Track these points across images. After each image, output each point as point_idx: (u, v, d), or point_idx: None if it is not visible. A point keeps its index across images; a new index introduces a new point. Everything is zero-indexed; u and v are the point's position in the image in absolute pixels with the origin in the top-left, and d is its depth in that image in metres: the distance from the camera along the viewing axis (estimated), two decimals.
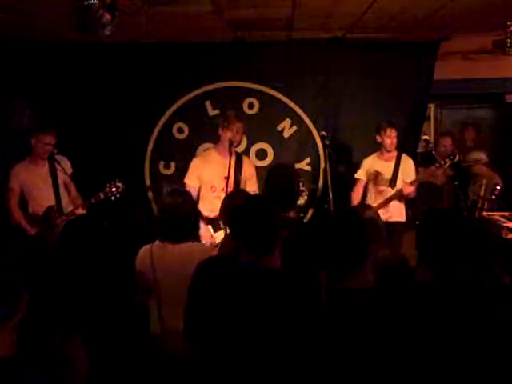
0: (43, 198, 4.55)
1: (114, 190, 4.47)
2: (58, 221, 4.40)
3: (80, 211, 4.42)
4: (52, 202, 4.55)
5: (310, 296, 2.01)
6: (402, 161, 4.83)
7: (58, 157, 4.65)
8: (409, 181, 4.74)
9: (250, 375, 2.03)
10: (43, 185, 4.58)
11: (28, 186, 4.59)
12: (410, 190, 4.66)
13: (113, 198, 4.48)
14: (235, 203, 2.74)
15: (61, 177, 4.64)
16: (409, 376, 1.87)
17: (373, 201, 4.80)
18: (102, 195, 4.45)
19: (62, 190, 4.61)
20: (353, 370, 1.85)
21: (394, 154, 4.85)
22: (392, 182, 4.77)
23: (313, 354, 1.90)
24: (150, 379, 2.64)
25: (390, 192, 4.77)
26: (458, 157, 4.75)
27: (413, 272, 3.62)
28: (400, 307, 1.98)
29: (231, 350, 2.07)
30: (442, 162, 4.69)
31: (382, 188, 4.83)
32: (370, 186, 4.93)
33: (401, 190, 4.70)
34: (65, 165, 4.67)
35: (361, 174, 4.97)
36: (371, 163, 4.92)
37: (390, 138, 4.75)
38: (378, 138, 4.82)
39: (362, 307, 1.91)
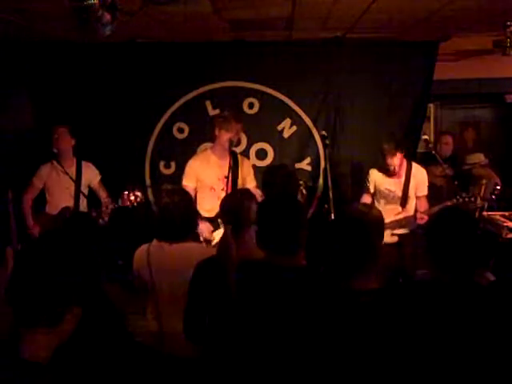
0: (61, 200, 4.58)
1: (132, 198, 4.40)
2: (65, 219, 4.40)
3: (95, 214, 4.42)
4: (68, 204, 4.57)
5: (321, 294, 2.01)
6: (412, 175, 4.59)
7: (84, 163, 4.72)
8: (421, 194, 4.60)
9: (255, 374, 2.04)
10: (64, 189, 4.61)
11: (50, 187, 4.64)
12: (424, 220, 4.37)
13: (130, 206, 4.41)
14: (236, 202, 2.75)
15: (84, 183, 4.69)
16: (412, 375, 1.87)
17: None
18: (119, 202, 4.42)
19: (82, 196, 4.62)
20: (357, 370, 1.86)
21: (404, 167, 4.60)
22: (403, 201, 4.59)
23: (318, 354, 1.90)
24: (147, 379, 2.64)
25: (401, 211, 4.58)
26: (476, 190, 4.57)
27: (412, 272, 3.61)
28: (403, 307, 1.98)
29: (242, 349, 2.07)
30: (460, 200, 4.42)
31: (392, 206, 4.61)
32: (380, 202, 4.69)
33: (413, 217, 4.51)
34: (92, 171, 4.75)
35: (370, 187, 4.73)
36: (380, 179, 4.68)
37: (390, 165, 4.49)
38: (381, 159, 4.57)
39: (366, 308, 1.91)
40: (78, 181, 4.62)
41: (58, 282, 1.49)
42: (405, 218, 4.59)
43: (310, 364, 1.92)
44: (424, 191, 4.65)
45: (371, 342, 1.87)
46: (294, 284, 2.07)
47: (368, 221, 2.08)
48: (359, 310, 1.91)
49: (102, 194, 4.73)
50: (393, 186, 4.63)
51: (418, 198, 4.63)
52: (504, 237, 4.40)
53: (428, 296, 2.06)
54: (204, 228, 4.17)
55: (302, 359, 1.93)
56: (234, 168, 4.30)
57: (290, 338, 1.97)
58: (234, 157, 4.37)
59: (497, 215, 4.74)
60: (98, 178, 4.81)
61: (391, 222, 4.49)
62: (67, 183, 4.59)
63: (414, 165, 4.68)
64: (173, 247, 2.80)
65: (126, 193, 4.41)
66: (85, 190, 4.69)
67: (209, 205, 4.25)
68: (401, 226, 4.59)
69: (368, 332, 1.88)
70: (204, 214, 4.27)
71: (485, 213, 4.75)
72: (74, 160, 4.72)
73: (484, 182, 5.05)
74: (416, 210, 4.59)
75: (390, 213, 4.54)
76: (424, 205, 4.62)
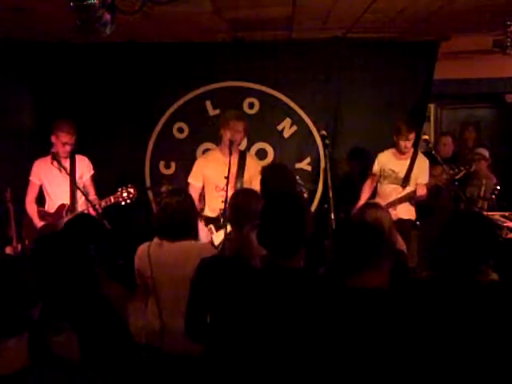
0: (60, 196, 4.48)
1: (125, 195, 4.38)
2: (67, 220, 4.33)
3: (91, 212, 4.28)
4: (67, 201, 4.47)
5: (322, 294, 2.01)
6: (416, 160, 4.81)
7: (78, 157, 4.58)
8: (422, 182, 4.71)
9: (258, 373, 2.04)
10: (61, 183, 4.48)
11: (47, 183, 4.51)
12: (423, 192, 4.62)
13: (123, 203, 4.39)
14: (240, 203, 2.74)
15: (80, 177, 4.56)
16: (415, 374, 1.88)
17: (382, 198, 4.76)
18: (112, 199, 4.38)
19: (78, 190, 4.47)
20: (360, 368, 1.86)
21: (410, 152, 4.82)
22: (404, 182, 4.76)
23: (320, 352, 1.90)
24: (149, 377, 2.65)
25: (402, 191, 4.75)
26: (473, 167, 4.72)
27: (411, 269, 3.60)
28: (410, 306, 1.98)
29: (247, 349, 2.07)
30: (457, 170, 4.65)
31: (393, 186, 4.81)
32: (382, 183, 4.90)
33: (414, 192, 4.66)
34: (85, 165, 4.62)
35: (375, 169, 4.94)
36: (386, 160, 4.90)
37: (406, 141, 4.70)
38: (395, 138, 4.79)
39: (368, 307, 1.91)
40: (72, 175, 4.46)
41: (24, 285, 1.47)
42: (406, 195, 4.74)
43: (312, 363, 1.92)
44: (424, 179, 4.78)
45: (372, 340, 1.87)
46: (290, 286, 2.06)
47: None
48: (362, 309, 1.91)
49: (91, 191, 4.59)
50: (397, 167, 4.82)
51: (417, 184, 4.73)
52: (504, 237, 4.39)
53: (431, 295, 2.06)
54: (203, 236, 4.21)
55: (302, 359, 1.93)
56: (240, 168, 4.34)
57: (290, 337, 1.97)
58: (241, 157, 4.43)
59: (497, 215, 4.74)
60: (91, 173, 4.66)
61: (393, 200, 4.70)
62: (62, 178, 4.46)
63: (420, 154, 4.89)
64: (174, 245, 2.81)
65: (120, 189, 4.41)
66: (80, 184, 4.52)
67: (215, 204, 4.28)
68: (400, 202, 4.74)
69: (369, 331, 1.88)
70: (209, 213, 4.35)
71: (485, 213, 4.75)
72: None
73: (484, 181, 5.06)
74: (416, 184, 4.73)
75: (392, 192, 4.79)
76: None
